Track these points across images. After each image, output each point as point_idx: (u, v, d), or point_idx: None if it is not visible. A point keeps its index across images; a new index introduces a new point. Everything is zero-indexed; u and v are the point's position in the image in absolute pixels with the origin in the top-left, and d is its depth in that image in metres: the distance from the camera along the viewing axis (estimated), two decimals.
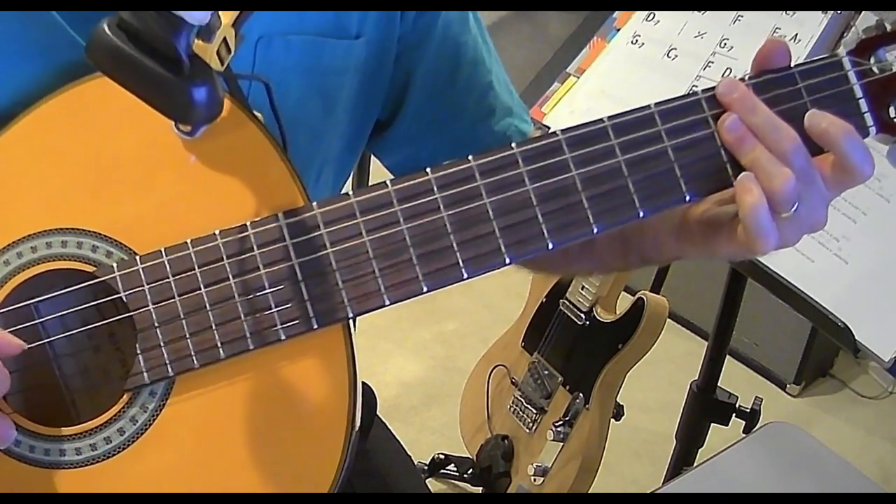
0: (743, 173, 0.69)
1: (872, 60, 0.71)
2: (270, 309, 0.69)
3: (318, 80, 0.84)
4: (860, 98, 0.71)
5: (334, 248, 0.69)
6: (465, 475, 2.02)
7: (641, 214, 0.70)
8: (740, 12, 1.25)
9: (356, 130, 0.90)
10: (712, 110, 0.70)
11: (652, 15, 1.30)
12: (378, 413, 1.09)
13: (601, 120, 0.70)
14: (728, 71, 1.21)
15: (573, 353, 1.84)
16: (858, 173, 0.69)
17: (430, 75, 0.89)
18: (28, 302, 0.71)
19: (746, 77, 0.71)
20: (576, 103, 1.28)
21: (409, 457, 1.12)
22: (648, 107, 0.70)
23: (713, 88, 0.70)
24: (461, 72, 0.91)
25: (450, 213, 0.69)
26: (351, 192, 0.70)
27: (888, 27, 0.72)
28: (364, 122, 0.91)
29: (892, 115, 0.71)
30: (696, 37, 1.26)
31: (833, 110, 0.70)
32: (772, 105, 0.69)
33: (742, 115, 0.69)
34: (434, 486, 2.09)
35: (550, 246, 0.69)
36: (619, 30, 1.31)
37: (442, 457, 2.08)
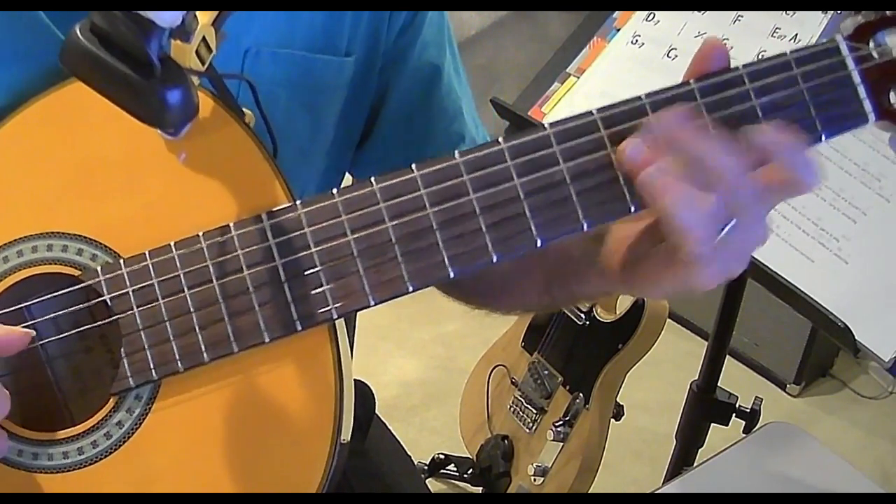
0: (644, 173, 0.64)
1: (872, 45, 0.68)
2: (254, 311, 0.68)
3: (307, 96, 0.83)
4: (858, 84, 0.68)
5: (318, 248, 0.68)
6: (465, 475, 2.02)
7: (633, 209, 0.68)
8: (740, 12, 1.25)
9: (340, 149, 0.90)
10: (705, 98, 0.67)
11: (652, 15, 1.30)
12: (378, 413, 1.09)
13: (590, 113, 0.68)
14: None
15: (573, 353, 1.84)
16: (805, 187, 0.64)
17: (405, 95, 0.89)
18: (20, 305, 0.70)
19: (741, 66, 0.68)
20: (576, 103, 1.28)
21: (409, 457, 1.12)
22: (640, 98, 0.68)
23: (704, 78, 0.67)
24: (434, 96, 0.90)
25: (435, 210, 0.68)
26: (335, 191, 0.69)
27: (888, 11, 0.69)
28: (348, 141, 0.91)
29: (892, 101, 0.68)
30: (696, 37, 1.26)
31: (830, 97, 0.68)
32: (721, 108, 0.67)
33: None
34: (434, 486, 2.08)
35: (539, 243, 0.68)
36: (619, 30, 1.31)
37: (442, 457, 2.08)
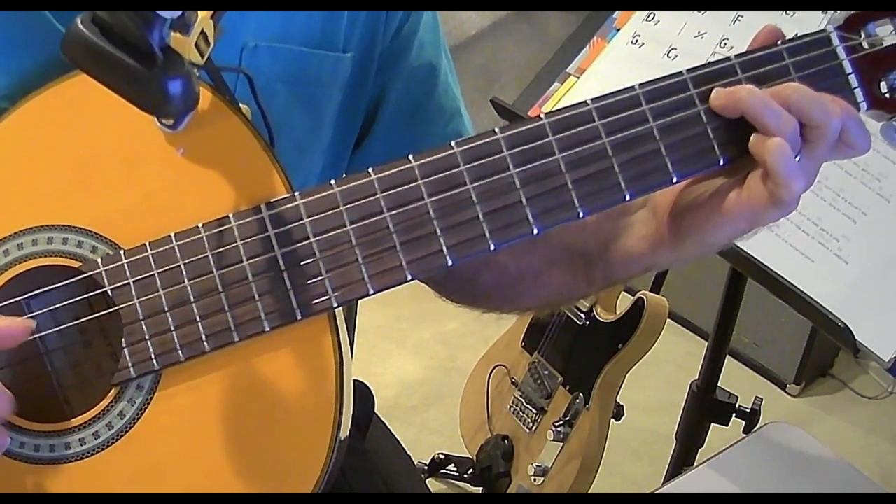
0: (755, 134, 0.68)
1: (862, 35, 0.70)
2: (254, 300, 0.69)
3: (304, 91, 0.84)
4: (850, 74, 0.69)
5: (317, 238, 0.69)
6: (465, 475, 2.02)
7: (628, 197, 0.69)
8: (740, 12, 1.25)
9: (339, 149, 0.90)
10: (698, 89, 0.69)
11: (652, 15, 1.30)
12: (377, 413, 1.09)
13: (585, 102, 0.69)
14: None
15: (573, 353, 1.84)
16: (860, 150, 0.69)
17: (403, 96, 0.89)
18: (19, 297, 0.71)
19: (733, 56, 0.69)
20: None
21: (409, 457, 1.12)
22: (633, 87, 0.69)
23: (699, 68, 0.69)
24: (432, 96, 0.91)
25: (433, 199, 0.69)
26: (333, 182, 0.69)
27: None
28: (346, 141, 0.91)
29: (883, 90, 0.70)
30: (696, 37, 1.26)
31: (822, 87, 0.68)
32: (760, 83, 0.69)
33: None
34: (434, 486, 2.08)
35: (535, 231, 0.69)
36: (619, 30, 1.31)
37: (442, 457, 2.08)
